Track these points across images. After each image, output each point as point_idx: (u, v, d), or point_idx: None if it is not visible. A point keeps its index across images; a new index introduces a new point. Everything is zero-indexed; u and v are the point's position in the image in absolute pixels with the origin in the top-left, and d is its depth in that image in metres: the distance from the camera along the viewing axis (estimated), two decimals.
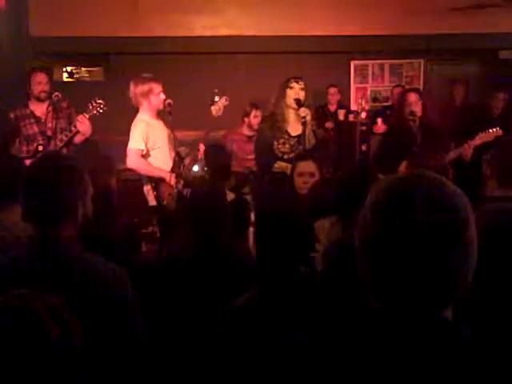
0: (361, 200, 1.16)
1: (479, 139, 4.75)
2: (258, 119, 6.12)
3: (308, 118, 4.51)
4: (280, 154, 4.70)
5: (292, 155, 4.64)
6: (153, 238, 4.38)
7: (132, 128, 4.66)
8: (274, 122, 4.75)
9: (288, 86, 4.64)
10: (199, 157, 5.30)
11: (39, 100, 5.13)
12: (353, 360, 1.08)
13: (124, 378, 1.78)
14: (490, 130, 4.78)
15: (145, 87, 4.67)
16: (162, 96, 4.68)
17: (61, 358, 1.29)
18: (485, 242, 1.53)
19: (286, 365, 1.17)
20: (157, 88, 4.67)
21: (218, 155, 4.64)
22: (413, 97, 4.79)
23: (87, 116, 4.97)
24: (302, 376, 1.13)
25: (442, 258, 1.05)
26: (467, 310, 1.40)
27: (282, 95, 4.69)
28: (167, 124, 4.78)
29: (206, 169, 4.65)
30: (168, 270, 2.78)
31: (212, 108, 5.24)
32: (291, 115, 4.68)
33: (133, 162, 4.62)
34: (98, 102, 5.03)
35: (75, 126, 4.96)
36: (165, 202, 4.56)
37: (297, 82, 4.64)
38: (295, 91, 4.61)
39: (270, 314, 2.02)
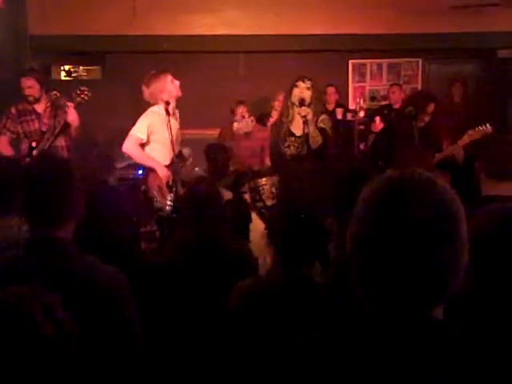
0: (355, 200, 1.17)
1: (468, 137, 4.70)
2: (244, 115, 6.16)
3: (309, 116, 4.49)
4: (288, 156, 4.69)
5: (299, 155, 4.62)
6: (152, 236, 4.38)
7: (143, 115, 4.65)
8: (280, 123, 4.75)
9: (294, 85, 4.63)
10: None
11: (28, 103, 5.15)
12: (346, 361, 1.09)
13: (121, 377, 1.78)
14: (479, 128, 4.72)
15: (157, 83, 4.66)
16: (176, 82, 4.69)
17: (54, 356, 1.29)
18: (487, 242, 1.54)
19: (282, 364, 1.18)
20: (167, 77, 4.67)
21: (217, 154, 4.64)
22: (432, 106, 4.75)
23: (73, 105, 4.98)
24: (297, 375, 1.14)
25: (432, 256, 1.05)
26: (466, 308, 1.40)
27: (288, 95, 4.69)
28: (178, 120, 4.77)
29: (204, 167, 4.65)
30: (167, 268, 2.79)
31: (235, 124, 5.23)
32: (296, 115, 4.67)
33: (129, 147, 4.60)
34: (82, 89, 5.04)
35: (63, 118, 4.99)
36: (154, 194, 4.52)
37: (302, 81, 4.62)
38: (300, 90, 4.59)
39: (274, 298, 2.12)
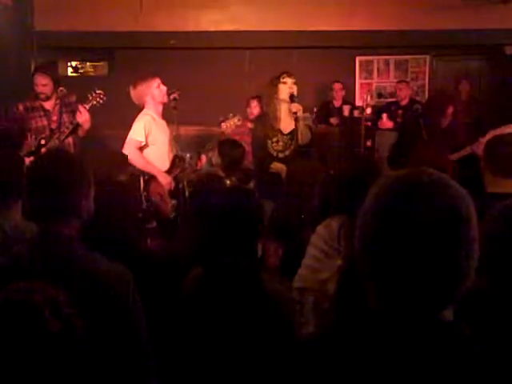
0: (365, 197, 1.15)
1: (491, 136, 4.69)
2: (257, 109, 6.17)
3: (300, 113, 4.45)
4: (275, 153, 4.65)
5: (287, 153, 4.61)
6: (157, 233, 4.38)
7: (137, 119, 4.64)
8: (265, 120, 4.70)
9: (280, 82, 4.56)
10: (198, 167, 5.32)
11: (39, 100, 5.13)
12: (352, 361, 1.08)
13: (126, 376, 1.78)
14: (502, 127, 4.71)
15: (143, 85, 4.65)
16: (163, 87, 4.66)
17: (61, 352, 1.28)
18: (500, 240, 1.52)
19: (287, 365, 1.17)
20: (155, 82, 4.65)
21: (230, 149, 4.63)
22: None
23: (87, 107, 4.95)
24: (303, 376, 1.13)
25: (443, 256, 1.04)
26: (479, 308, 1.39)
27: (273, 91, 4.60)
28: (171, 122, 4.76)
29: (217, 163, 4.62)
30: (172, 265, 2.79)
31: (222, 124, 5.26)
32: (283, 112, 4.60)
33: (129, 152, 4.60)
34: (98, 92, 4.99)
35: (75, 118, 4.96)
36: (156, 202, 4.53)
37: (289, 77, 4.57)
38: (289, 86, 4.53)
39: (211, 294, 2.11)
